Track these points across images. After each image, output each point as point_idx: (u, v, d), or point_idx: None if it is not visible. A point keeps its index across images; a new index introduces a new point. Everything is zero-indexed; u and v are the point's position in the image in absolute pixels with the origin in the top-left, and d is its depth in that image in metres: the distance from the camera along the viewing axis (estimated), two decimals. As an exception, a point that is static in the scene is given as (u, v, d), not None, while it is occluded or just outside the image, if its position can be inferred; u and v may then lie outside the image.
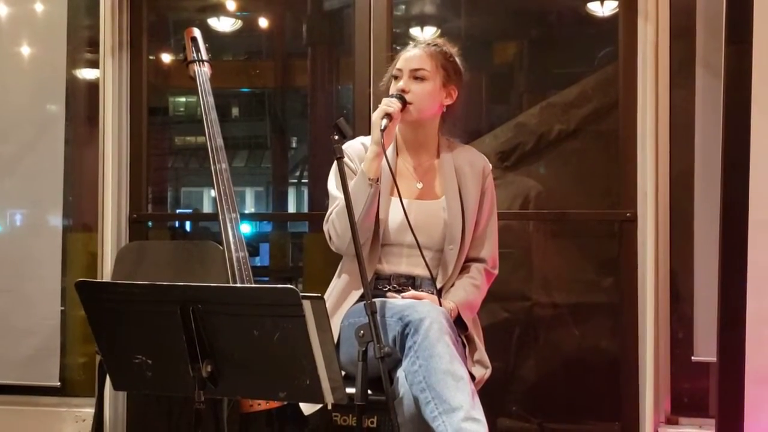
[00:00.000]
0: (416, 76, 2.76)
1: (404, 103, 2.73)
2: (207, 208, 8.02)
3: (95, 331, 2.23)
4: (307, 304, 2.00)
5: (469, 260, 2.85)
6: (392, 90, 2.79)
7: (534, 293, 3.88)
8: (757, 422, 2.87)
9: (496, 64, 4.40)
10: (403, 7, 4.27)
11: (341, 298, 2.76)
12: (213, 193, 3.15)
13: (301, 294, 2.00)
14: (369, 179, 2.65)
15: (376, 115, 2.67)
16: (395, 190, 2.72)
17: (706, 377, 3.51)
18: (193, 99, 5.67)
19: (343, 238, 2.70)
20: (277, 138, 5.06)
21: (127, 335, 2.20)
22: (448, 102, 2.83)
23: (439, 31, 4.17)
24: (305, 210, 5.32)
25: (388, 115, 2.65)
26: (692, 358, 3.45)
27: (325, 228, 2.77)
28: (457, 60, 2.84)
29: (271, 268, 4.83)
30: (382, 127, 2.63)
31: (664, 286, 3.52)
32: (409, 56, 2.80)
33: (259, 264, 4.91)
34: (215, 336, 2.10)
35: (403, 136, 2.88)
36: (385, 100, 2.71)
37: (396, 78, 2.80)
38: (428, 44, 2.82)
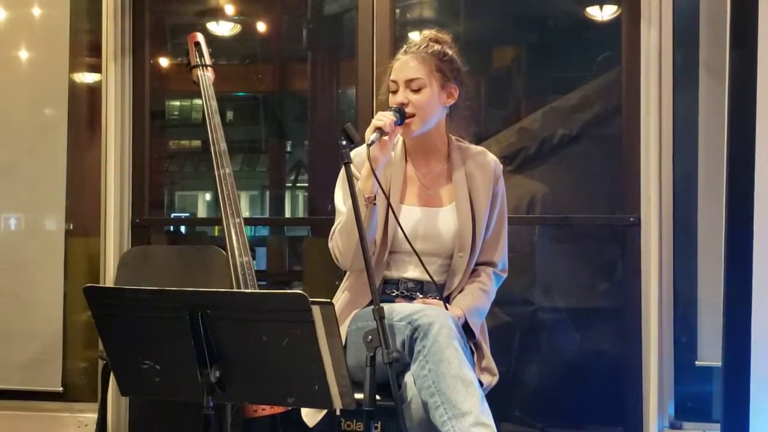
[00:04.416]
0: (412, 87, 2.68)
1: (403, 117, 2.65)
2: (202, 212, 7.99)
3: (103, 336, 2.22)
4: (316, 310, 1.99)
5: (480, 264, 2.81)
6: (391, 103, 2.70)
7: (537, 297, 3.87)
8: (762, 427, 2.87)
9: (495, 68, 4.40)
10: (399, 11, 4.26)
11: (347, 309, 2.72)
12: (208, 196, 3.14)
13: (311, 300, 2.00)
14: (365, 198, 2.58)
15: (368, 131, 2.59)
16: (401, 198, 2.71)
17: (710, 382, 3.51)
18: (187, 102, 5.66)
19: (346, 257, 2.67)
20: (275, 142, 5.04)
21: (135, 340, 2.19)
22: (450, 102, 2.75)
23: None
24: (301, 213, 5.31)
25: (379, 129, 2.56)
26: (696, 362, 3.46)
27: (330, 245, 2.73)
28: (453, 55, 2.75)
29: (269, 272, 4.81)
30: (369, 142, 2.52)
31: (668, 290, 3.52)
32: (401, 66, 2.71)
33: (256, 268, 4.88)
34: (224, 341, 2.09)
35: (411, 143, 2.82)
36: (378, 114, 2.62)
37: (394, 92, 2.71)
38: (419, 47, 2.73)
